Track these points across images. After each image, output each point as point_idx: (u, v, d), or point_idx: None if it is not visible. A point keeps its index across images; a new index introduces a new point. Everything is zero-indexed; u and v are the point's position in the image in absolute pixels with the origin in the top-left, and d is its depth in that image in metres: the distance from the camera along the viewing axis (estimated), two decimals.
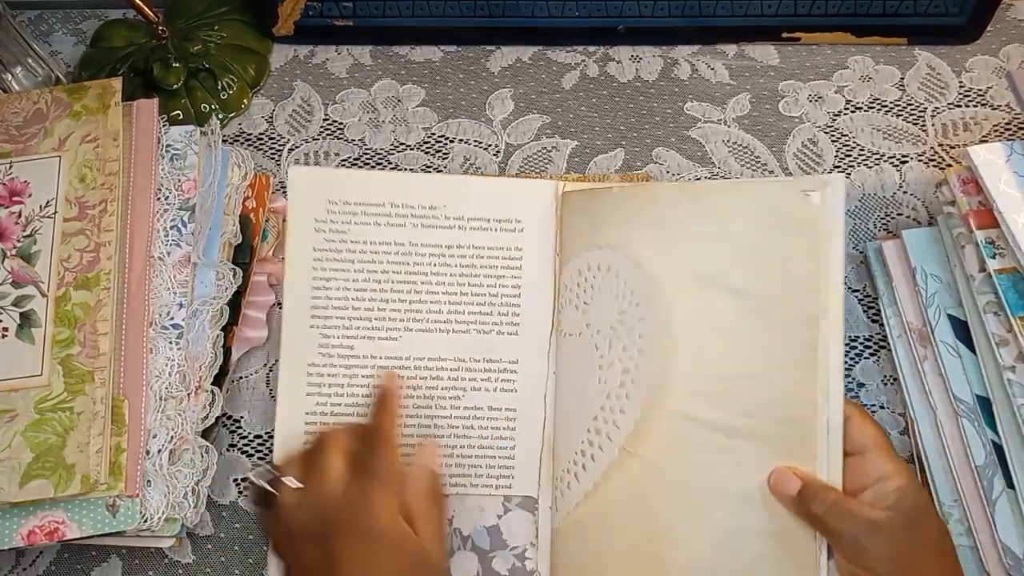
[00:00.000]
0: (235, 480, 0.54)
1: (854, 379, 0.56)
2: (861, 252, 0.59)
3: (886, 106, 0.65)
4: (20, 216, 0.51)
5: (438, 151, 0.65)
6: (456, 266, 0.49)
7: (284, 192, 0.63)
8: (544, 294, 0.50)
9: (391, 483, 0.42)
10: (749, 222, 0.45)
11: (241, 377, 0.57)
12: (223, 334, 0.53)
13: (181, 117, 0.64)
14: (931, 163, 0.63)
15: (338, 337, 0.49)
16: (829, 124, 0.65)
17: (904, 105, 0.65)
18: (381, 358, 0.49)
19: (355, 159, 0.65)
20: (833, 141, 0.64)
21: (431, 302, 0.49)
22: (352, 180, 0.50)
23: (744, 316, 0.45)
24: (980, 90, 0.66)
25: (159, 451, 0.48)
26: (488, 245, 0.50)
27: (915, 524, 0.41)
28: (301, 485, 0.42)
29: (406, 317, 0.49)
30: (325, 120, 0.66)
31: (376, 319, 0.49)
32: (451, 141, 0.65)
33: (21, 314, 0.49)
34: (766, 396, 0.44)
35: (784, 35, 0.68)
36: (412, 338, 0.49)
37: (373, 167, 0.64)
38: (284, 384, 0.49)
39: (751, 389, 0.44)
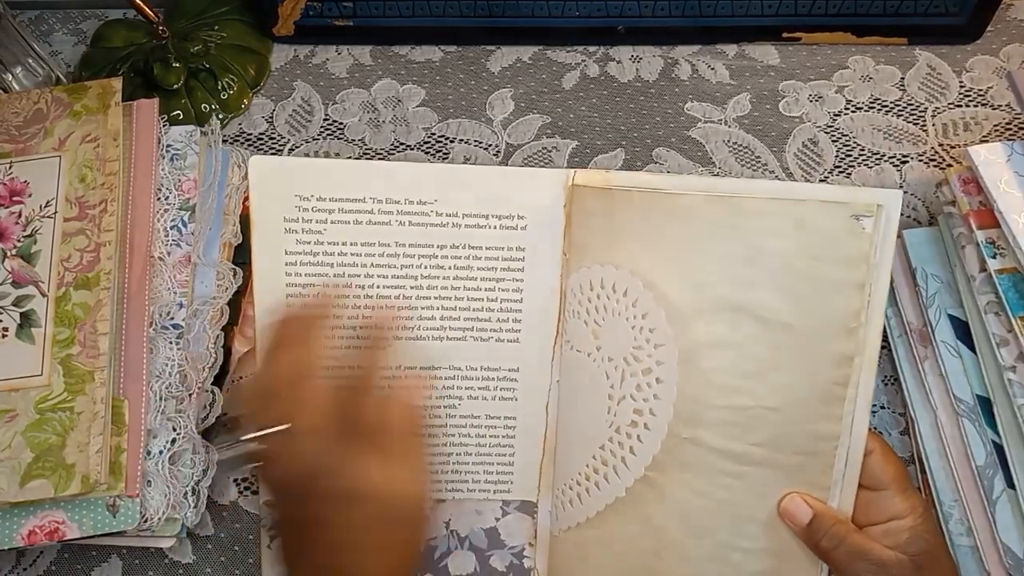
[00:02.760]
0: (235, 480, 0.54)
1: None
2: None
3: (886, 106, 0.65)
4: (20, 216, 0.51)
5: (438, 151, 0.65)
6: (450, 268, 0.45)
7: None
8: (548, 298, 0.46)
9: (371, 437, 0.40)
10: (788, 246, 0.41)
11: (241, 377, 0.57)
12: (223, 334, 0.53)
13: (181, 117, 0.64)
14: (931, 163, 0.63)
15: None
16: (829, 124, 0.65)
17: (904, 105, 0.65)
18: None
19: (355, 159, 0.65)
20: (833, 141, 0.64)
21: (423, 308, 0.45)
22: (324, 171, 0.44)
23: (772, 347, 0.41)
24: (980, 90, 0.66)
25: (159, 451, 0.48)
26: (486, 244, 0.45)
27: (924, 568, 0.40)
28: (287, 425, 0.39)
29: (395, 325, 0.45)
30: (325, 120, 0.66)
31: (361, 328, 0.45)
32: (451, 141, 0.65)
33: (21, 314, 0.49)
34: (788, 429, 0.42)
35: (784, 35, 0.68)
36: (402, 347, 0.45)
37: None
38: None
39: (773, 422, 0.42)
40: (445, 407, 0.46)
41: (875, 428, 0.53)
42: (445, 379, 0.46)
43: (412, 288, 0.45)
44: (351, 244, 0.44)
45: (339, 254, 0.44)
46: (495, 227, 0.45)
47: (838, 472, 0.42)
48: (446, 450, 0.47)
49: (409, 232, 0.44)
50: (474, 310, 0.45)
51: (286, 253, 0.44)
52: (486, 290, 0.45)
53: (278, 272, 0.44)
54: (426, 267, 0.45)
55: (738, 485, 0.43)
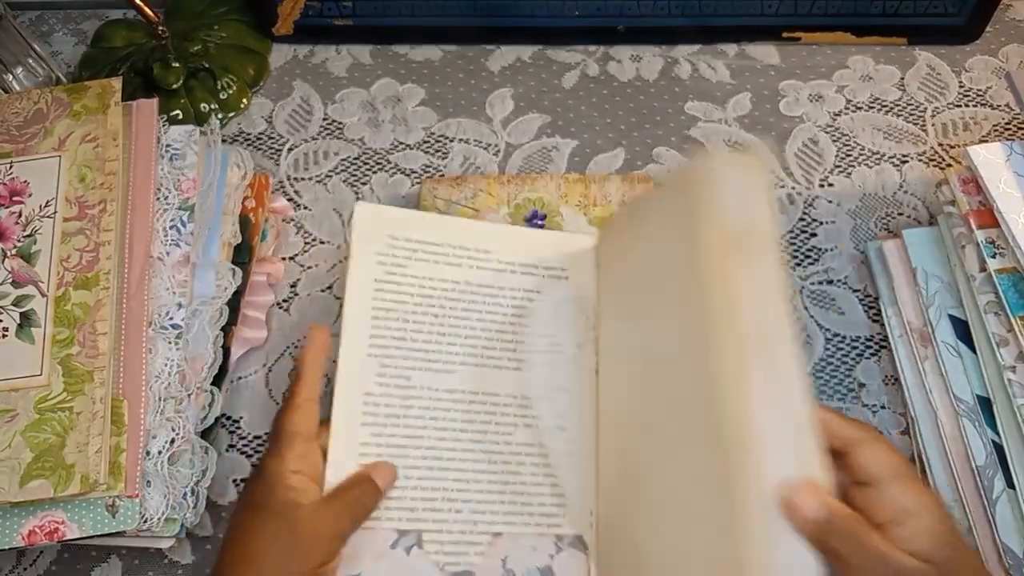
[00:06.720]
0: (234, 480, 0.54)
1: (855, 379, 0.56)
2: (862, 252, 0.59)
3: (886, 106, 0.65)
4: (20, 216, 0.51)
5: (438, 151, 0.65)
6: (507, 306, 0.51)
7: (284, 192, 0.63)
8: (587, 331, 0.51)
9: (290, 447, 0.43)
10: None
11: (240, 377, 0.57)
12: (223, 334, 0.53)
13: (181, 117, 0.64)
14: (931, 163, 0.63)
15: (396, 367, 0.48)
16: (830, 124, 0.65)
17: (904, 105, 0.65)
18: (438, 390, 0.48)
19: (355, 158, 0.65)
20: (834, 141, 0.64)
21: (485, 339, 0.50)
22: (413, 220, 0.52)
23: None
24: (980, 90, 0.66)
25: (159, 451, 0.48)
26: (536, 289, 0.52)
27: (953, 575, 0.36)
28: None
29: (461, 351, 0.49)
30: (325, 120, 0.66)
31: (433, 351, 0.49)
32: (451, 140, 0.65)
33: (21, 314, 0.49)
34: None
35: (784, 35, 0.68)
36: (467, 372, 0.49)
37: (372, 167, 0.64)
38: (339, 413, 0.46)
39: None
40: (503, 434, 0.48)
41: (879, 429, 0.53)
42: (503, 406, 0.49)
43: (477, 320, 0.50)
44: (428, 279, 0.51)
45: (419, 286, 0.50)
46: (543, 276, 0.52)
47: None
48: (502, 479, 0.48)
49: (475, 274, 0.51)
50: (528, 343, 0.51)
51: (375, 281, 0.50)
52: (536, 326, 0.51)
53: (367, 295, 0.49)
54: (488, 304, 0.51)
55: (688, 471, 0.40)
